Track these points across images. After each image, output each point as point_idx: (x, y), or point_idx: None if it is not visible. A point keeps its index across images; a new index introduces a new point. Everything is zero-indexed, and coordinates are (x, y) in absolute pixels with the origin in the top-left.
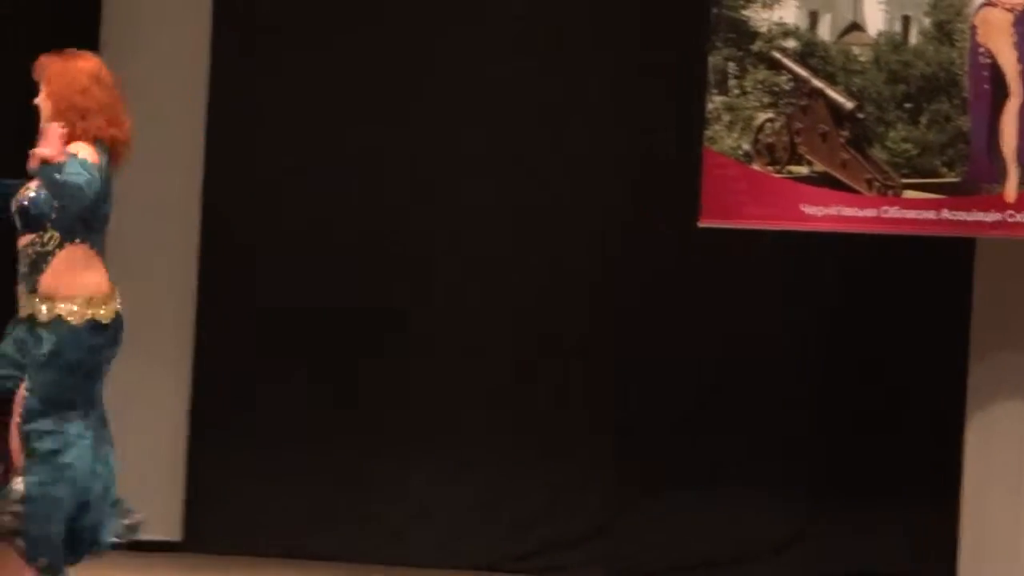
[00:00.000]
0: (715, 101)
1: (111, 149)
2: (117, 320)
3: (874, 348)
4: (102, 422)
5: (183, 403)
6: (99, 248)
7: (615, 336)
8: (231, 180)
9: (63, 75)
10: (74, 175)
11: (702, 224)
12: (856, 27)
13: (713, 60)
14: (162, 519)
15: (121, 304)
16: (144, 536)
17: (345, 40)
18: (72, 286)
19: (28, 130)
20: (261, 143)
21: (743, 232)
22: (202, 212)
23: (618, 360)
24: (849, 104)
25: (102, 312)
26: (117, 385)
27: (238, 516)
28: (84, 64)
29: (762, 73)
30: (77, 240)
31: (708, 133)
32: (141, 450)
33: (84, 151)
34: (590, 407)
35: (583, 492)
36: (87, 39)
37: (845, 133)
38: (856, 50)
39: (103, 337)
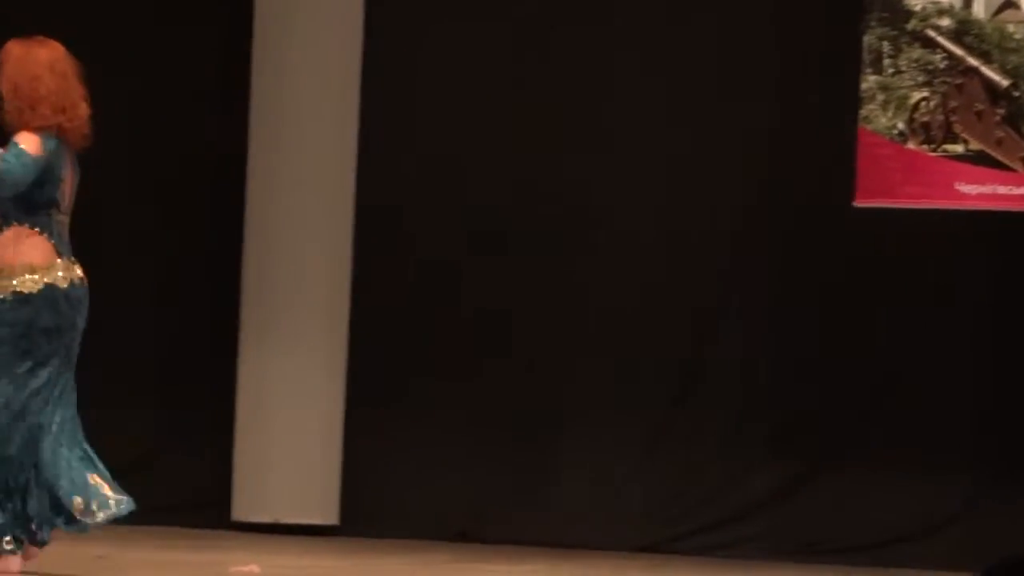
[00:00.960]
0: (869, 80)
1: (62, 137)
2: (46, 291)
3: None
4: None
5: (339, 389)
6: (43, 228)
7: (782, 319)
8: (385, 173)
9: (19, 62)
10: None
11: (857, 204)
12: (1011, 4)
13: (867, 39)
14: (319, 503)
15: (61, 277)
16: (302, 520)
17: (500, 31)
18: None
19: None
20: (415, 135)
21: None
22: (355, 202)
23: (794, 340)
24: (1005, 82)
25: (27, 284)
26: (275, 374)
27: (393, 499)
28: (41, 52)
29: (916, 52)
30: (14, 223)
31: (862, 113)
32: (298, 436)
33: (25, 141)
34: (757, 389)
35: (751, 472)
36: (240, 32)
37: (1000, 111)
38: (1011, 28)
39: (27, 308)
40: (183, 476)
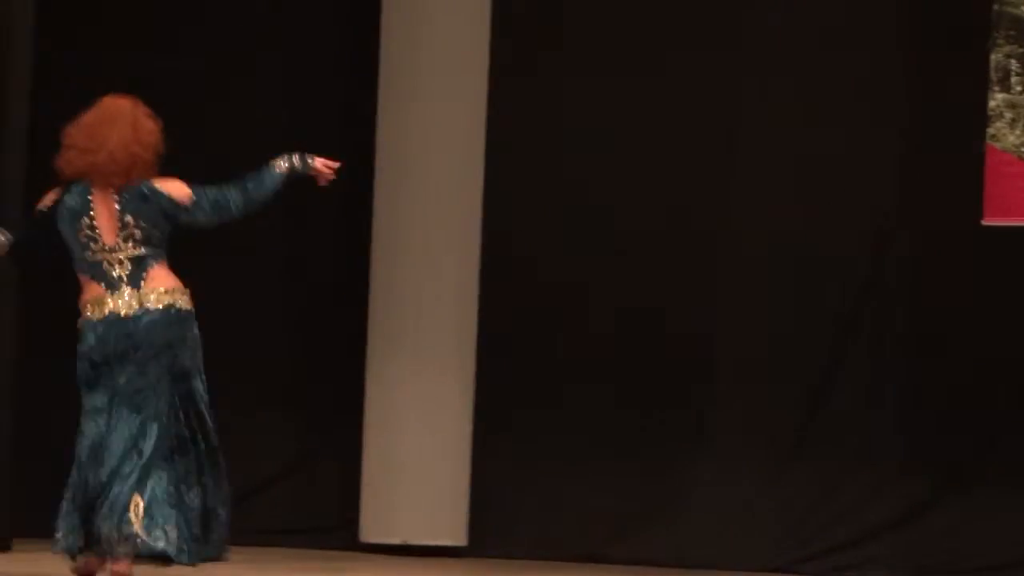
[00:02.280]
0: (997, 98)
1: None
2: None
3: None
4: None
5: (468, 410)
6: (81, 268)
7: (911, 341)
8: (511, 192)
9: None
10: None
11: (986, 223)
12: None
13: (995, 57)
14: (448, 525)
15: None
16: (430, 541)
17: (621, 54)
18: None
19: None
20: (540, 154)
21: None
22: (483, 224)
23: (916, 359)
24: None
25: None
26: (403, 394)
27: (522, 520)
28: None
29: None
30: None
31: (990, 131)
32: (427, 457)
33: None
34: (877, 405)
35: (877, 492)
36: (367, 50)
37: None
38: None
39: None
40: (312, 498)
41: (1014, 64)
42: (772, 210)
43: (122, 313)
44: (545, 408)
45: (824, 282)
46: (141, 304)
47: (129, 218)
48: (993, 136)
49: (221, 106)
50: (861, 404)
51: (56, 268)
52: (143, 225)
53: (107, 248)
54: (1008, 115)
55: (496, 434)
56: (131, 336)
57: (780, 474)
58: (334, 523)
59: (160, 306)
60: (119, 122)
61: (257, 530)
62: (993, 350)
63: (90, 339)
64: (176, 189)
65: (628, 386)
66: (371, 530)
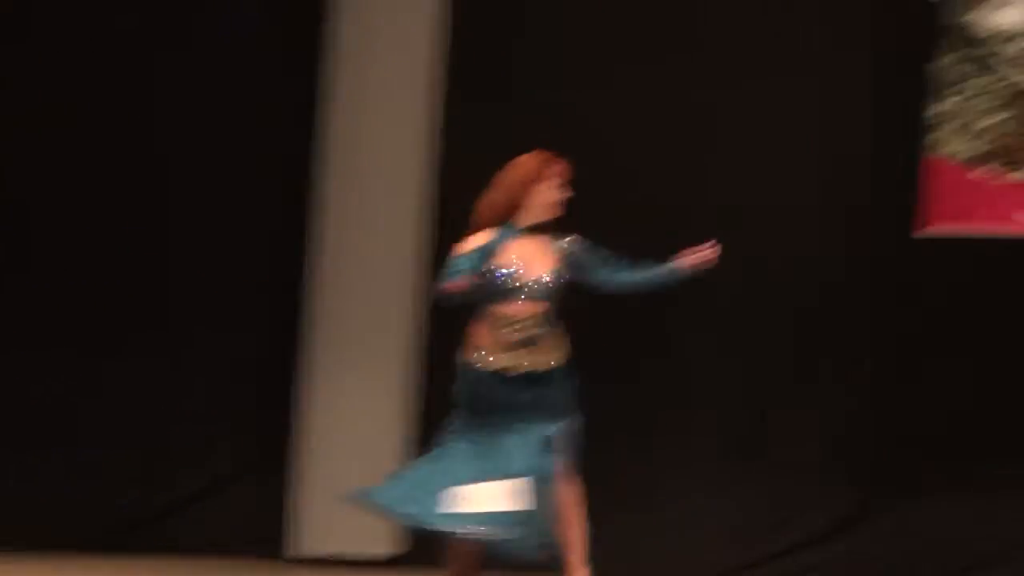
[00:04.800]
0: (940, 106)
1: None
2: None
3: None
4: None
5: (403, 416)
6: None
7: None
8: (454, 198)
9: None
10: None
11: (928, 230)
12: None
13: (939, 65)
14: (383, 534)
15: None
16: (365, 551)
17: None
18: None
19: None
20: (484, 156)
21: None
22: (423, 231)
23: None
24: None
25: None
26: (336, 399)
27: None
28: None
29: (987, 78)
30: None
31: (933, 138)
32: (361, 465)
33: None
34: (818, 415)
35: (814, 503)
36: (312, 48)
37: None
38: None
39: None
40: (242, 510)
41: (959, 72)
42: (729, 217)
43: None
44: None
45: (771, 292)
46: None
47: None
48: (936, 143)
49: (163, 104)
50: (802, 413)
51: None
52: None
53: None
54: (951, 123)
55: (433, 442)
56: None
57: (726, 481)
58: (265, 535)
59: None
60: None
61: (185, 543)
62: (935, 360)
63: None
64: None
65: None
66: (304, 542)
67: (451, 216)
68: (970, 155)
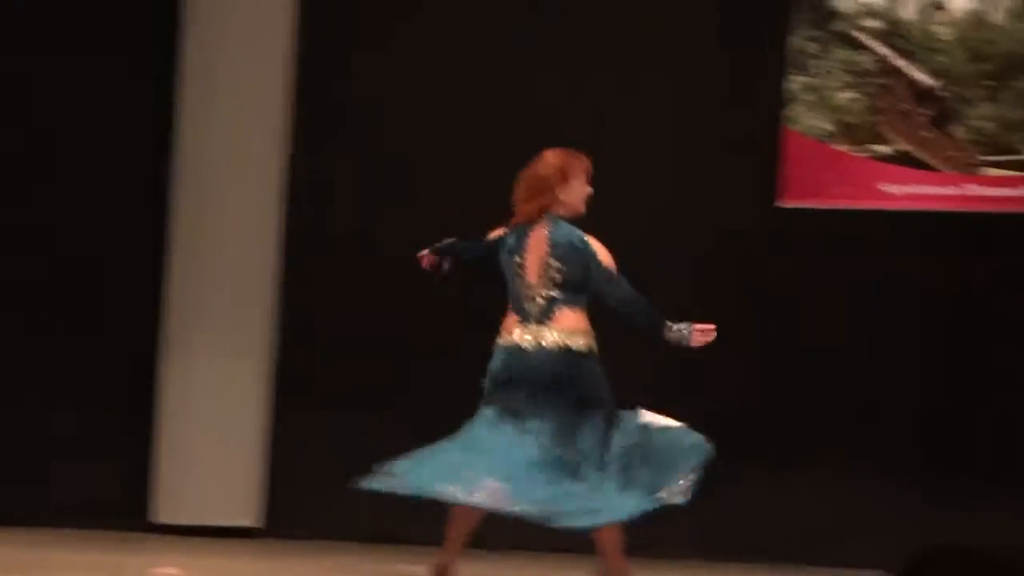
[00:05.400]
0: (796, 81)
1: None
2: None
3: None
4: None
5: (263, 389)
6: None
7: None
8: (313, 181)
9: None
10: None
11: (784, 204)
12: (938, 6)
13: (794, 40)
14: (241, 505)
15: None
16: (223, 522)
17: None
18: None
19: None
20: (343, 143)
21: None
22: (284, 208)
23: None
24: (931, 83)
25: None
26: (197, 376)
27: (315, 502)
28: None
29: (843, 53)
30: None
31: (788, 113)
32: (221, 437)
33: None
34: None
35: None
36: (168, 46)
37: (926, 111)
38: (938, 29)
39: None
40: (104, 478)
41: (813, 47)
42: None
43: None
44: (343, 390)
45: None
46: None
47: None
48: (791, 118)
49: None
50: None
51: None
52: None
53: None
54: (807, 97)
55: (293, 415)
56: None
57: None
58: (127, 504)
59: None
60: None
61: (48, 510)
62: (798, 335)
63: None
64: None
65: (431, 367)
66: (163, 510)
67: (306, 202)
68: (824, 130)
